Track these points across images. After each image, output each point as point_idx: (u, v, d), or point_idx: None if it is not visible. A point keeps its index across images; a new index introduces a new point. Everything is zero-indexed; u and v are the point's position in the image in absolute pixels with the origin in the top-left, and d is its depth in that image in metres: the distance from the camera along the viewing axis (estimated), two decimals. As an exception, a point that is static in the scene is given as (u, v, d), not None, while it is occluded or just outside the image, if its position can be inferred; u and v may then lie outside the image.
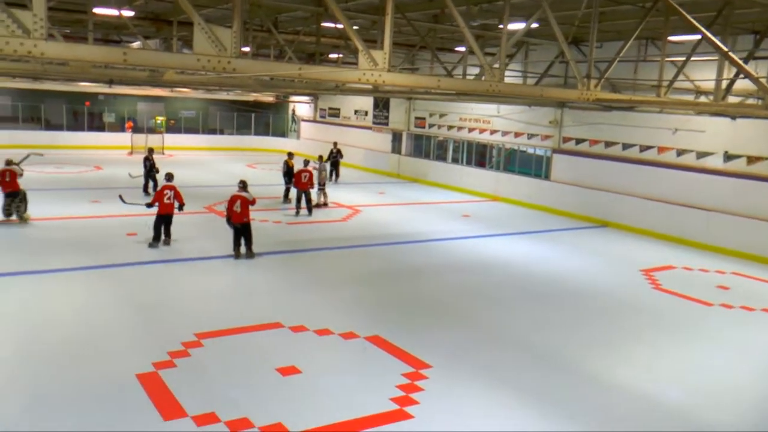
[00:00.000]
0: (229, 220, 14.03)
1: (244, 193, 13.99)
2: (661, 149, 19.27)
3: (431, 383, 8.35)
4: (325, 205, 20.86)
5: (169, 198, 14.70)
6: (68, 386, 7.84)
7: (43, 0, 6.69)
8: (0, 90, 34.40)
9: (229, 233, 14.32)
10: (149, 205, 14.89)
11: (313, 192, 19.97)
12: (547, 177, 23.28)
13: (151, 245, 14.55)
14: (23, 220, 16.39)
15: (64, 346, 9.05)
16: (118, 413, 7.23)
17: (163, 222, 14.75)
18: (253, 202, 14.08)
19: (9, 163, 16.56)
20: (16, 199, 16.34)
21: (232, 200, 13.94)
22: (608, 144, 20.90)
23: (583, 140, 21.76)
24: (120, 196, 16.36)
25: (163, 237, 14.76)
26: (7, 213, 16.34)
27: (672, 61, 15.37)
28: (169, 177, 15.26)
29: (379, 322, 10.57)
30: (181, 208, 14.96)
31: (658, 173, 19.30)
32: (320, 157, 22.12)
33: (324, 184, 21.20)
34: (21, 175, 16.49)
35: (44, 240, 14.85)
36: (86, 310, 10.54)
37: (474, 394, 8.19)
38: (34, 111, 35.35)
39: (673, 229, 18.57)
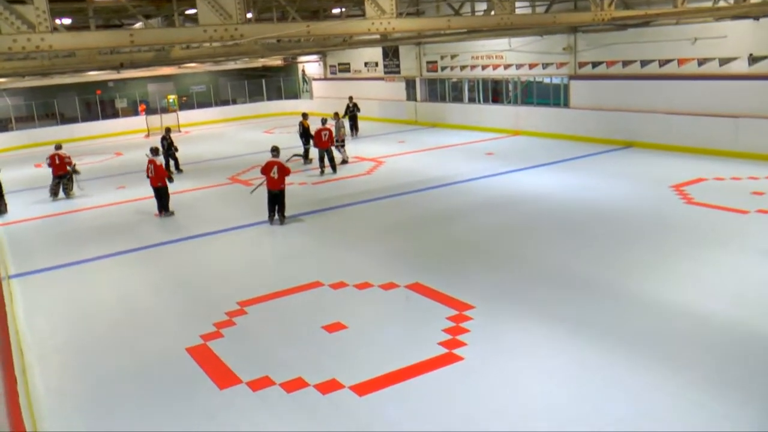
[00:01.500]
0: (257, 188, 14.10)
1: (279, 159, 14.01)
2: (681, 61, 18.83)
3: (476, 324, 8.38)
4: (346, 161, 20.78)
5: (151, 172, 15.30)
6: (122, 368, 8.01)
7: (43, -9, 6.68)
8: (12, 91, 34.62)
9: (258, 201, 14.39)
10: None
11: (335, 149, 19.89)
12: (566, 105, 22.94)
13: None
14: (70, 197, 18.72)
15: (112, 330, 9.24)
16: (174, 388, 7.38)
17: (157, 195, 15.53)
18: (288, 171, 14.09)
19: (59, 147, 18.76)
20: (64, 179, 18.64)
21: (268, 166, 13.93)
22: (626, 63, 20.48)
23: (600, 63, 21.35)
24: None
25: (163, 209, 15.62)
26: (54, 192, 18.60)
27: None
28: (154, 151, 15.77)
29: (417, 269, 10.60)
30: (170, 180, 15.71)
31: (681, 86, 18.91)
32: (336, 114, 21.93)
33: (343, 141, 21.06)
34: (70, 162, 18.63)
35: (79, 231, 15.05)
36: (128, 293, 10.71)
37: (520, 329, 8.21)
38: (47, 107, 35.52)
39: (700, 141, 18.26)
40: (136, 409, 7.02)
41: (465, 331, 8.20)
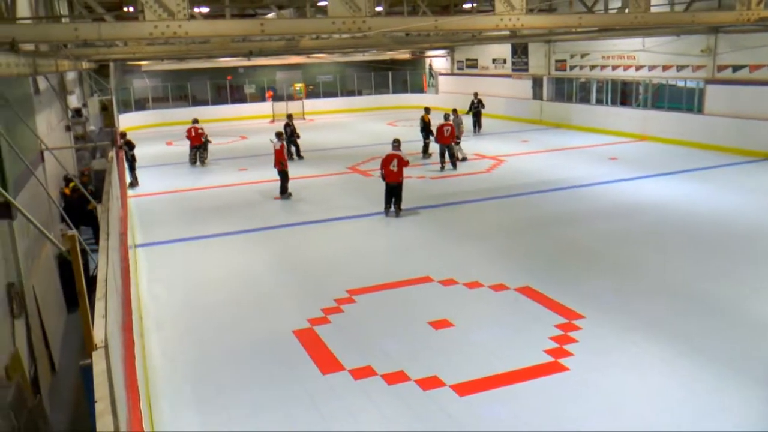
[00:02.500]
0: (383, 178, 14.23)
1: (399, 152, 14.10)
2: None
3: (585, 335, 8.09)
4: (465, 159, 20.53)
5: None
6: (231, 343, 8.32)
7: (183, -19, 7.00)
8: (151, 73, 36.73)
9: (375, 192, 14.53)
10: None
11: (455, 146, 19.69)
12: (699, 111, 21.74)
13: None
14: (205, 165, 21.55)
15: (225, 305, 9.61)
16: (279, 368, 7.58)
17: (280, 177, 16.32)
18: (407, 163, 14.17)
19: (195, 121, 21.75)
20: (200, 149, 21.57)
21: (388, 159, 14.06)
22: (772, 69, 19.14)
23: (742, 66, 20.05)
24: None
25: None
26: (193, 161, 21.54)
27: None
28: (278, 136, 16.64)
29: (528, 272, 10.38)
30: (282, 165, 16.24)
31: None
32: (454, 111, 21.65)
33: (459, 138, 20.67)
34: (204, 133, 21.42)
35: (200, 208, 15.77)
36: (242, 271, 11.10)
37: (631, 345, 7.83)
38: (181, 89, 37.46)
39: None
40: (241, 384, 7.26)
41: (573, 341, 7.94)
